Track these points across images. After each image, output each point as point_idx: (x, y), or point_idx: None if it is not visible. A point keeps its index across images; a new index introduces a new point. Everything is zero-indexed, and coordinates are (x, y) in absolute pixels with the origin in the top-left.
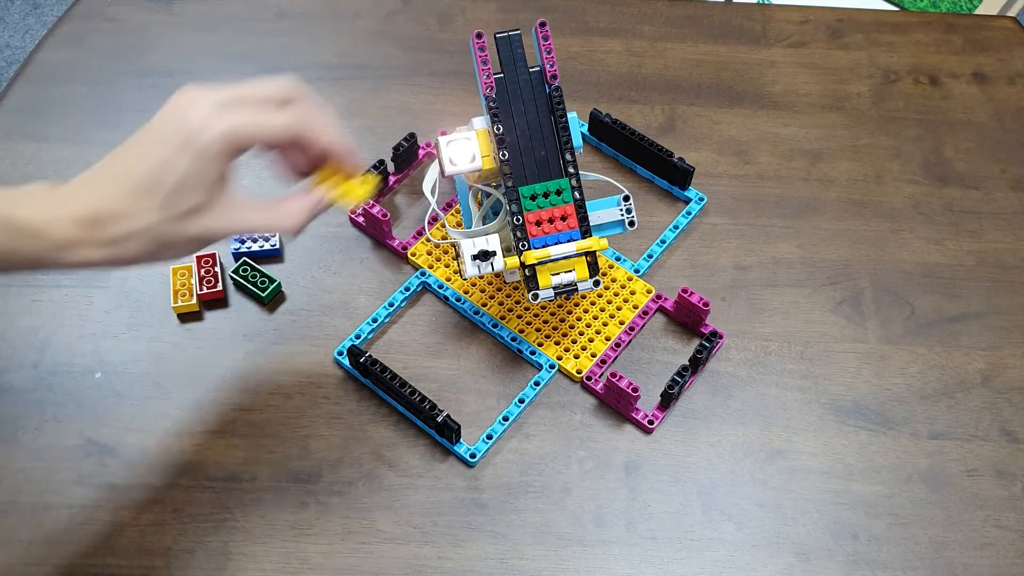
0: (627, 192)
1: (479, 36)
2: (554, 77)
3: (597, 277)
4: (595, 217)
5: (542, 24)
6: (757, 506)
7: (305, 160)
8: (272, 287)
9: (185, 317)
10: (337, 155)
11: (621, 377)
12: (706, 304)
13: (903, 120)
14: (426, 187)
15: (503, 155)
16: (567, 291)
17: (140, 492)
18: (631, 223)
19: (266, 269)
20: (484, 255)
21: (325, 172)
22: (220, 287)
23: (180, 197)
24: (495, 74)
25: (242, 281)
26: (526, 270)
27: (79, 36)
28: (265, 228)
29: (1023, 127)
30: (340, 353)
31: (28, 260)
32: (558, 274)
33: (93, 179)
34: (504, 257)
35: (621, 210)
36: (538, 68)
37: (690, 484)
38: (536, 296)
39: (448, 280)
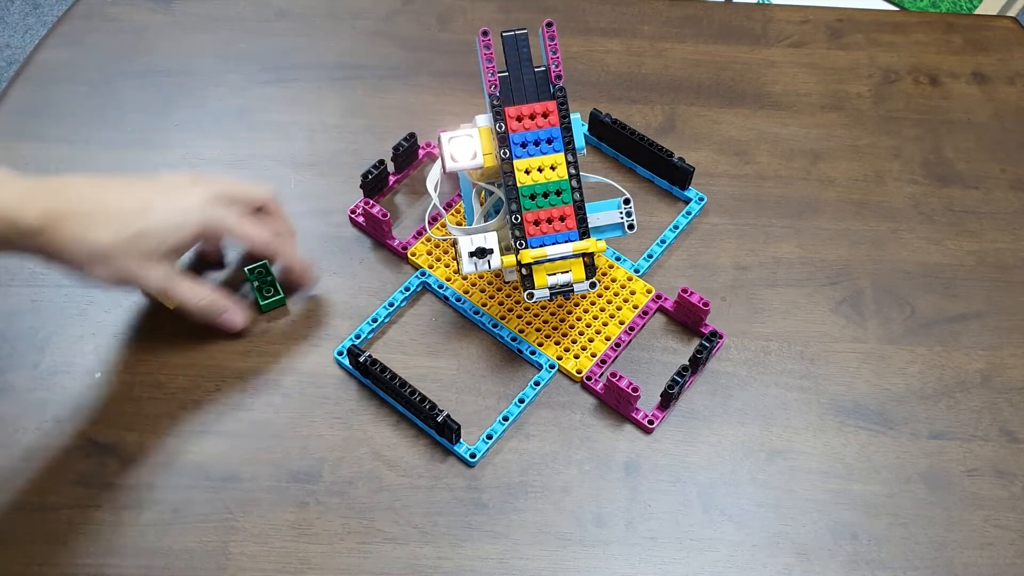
0: (628, 195)
1: (485, 34)
2: (559, 77)
3: (594, 279)
4: (594, 219)
5: (549, 24)
6: (757, 506)
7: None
8: (274, 299)
9: (180, 311)
10: (296, 273)
11: (621, 377)
12: (706, 304)
13: (903, 120)
14: (429, 183)
15: (504, 153)
16: (563, 292)
17: (140, 492)
18: (631, 226)
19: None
20: (481, 252)
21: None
22: None
23: (142, 241)
24: (499, 72)
25: (250, 282)
26: (522, 269)
27: (79, 36)
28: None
29: (1023, 127)
30: (340, 353)
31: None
32: (554, 274)
33: (77, 182)
34: (502, 256)
35: (621, 213)
36: (543, 68)
37: (690, 484)
38: (532, 295)
39: (448, 280)
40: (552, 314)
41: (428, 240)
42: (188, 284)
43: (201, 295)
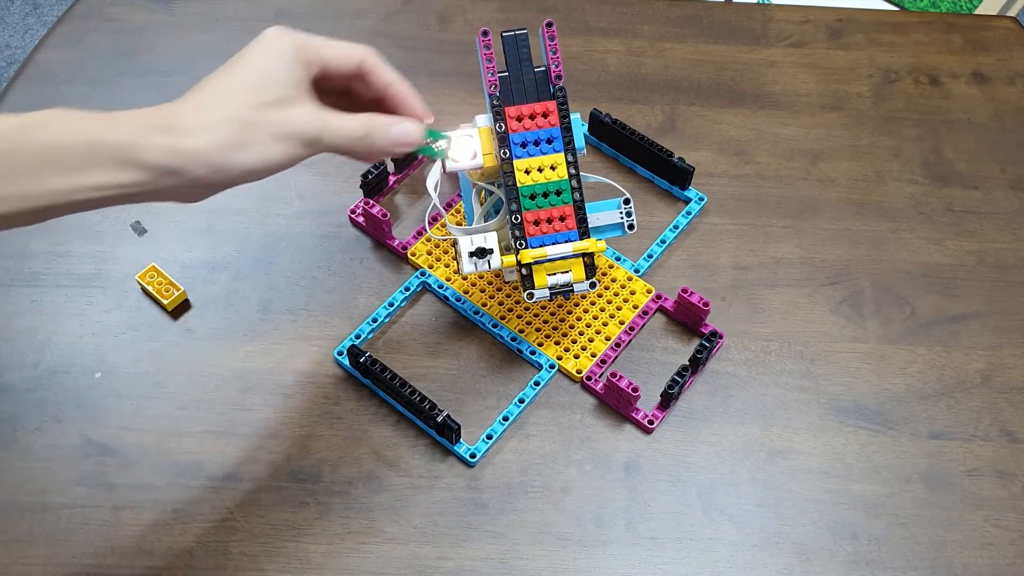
0: (628, 195)
1: (485, 34)
2: (559, 77)
3: (594, 279)
4: (594, 219)
5: (549, 24)
6: (757, 506)
7: (366, 98)
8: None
9: (180, 312)
10: (399, 93)
11: (621, 377)
12: (706, 304)
13: (903, 120)
14: (429, 183)
15: (504, 153)
16: (563, 292)
17: (140, 492)
18: (630, 227)
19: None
20: (481, 252)
21: None
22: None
23: (265, 88)
24: (499, 72)
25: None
26: (522, 269)
27: (79, 36)
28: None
29: (1023, 127)
30: (340, 353)
31: (113, 157)
32: (554, 274)
33: (177, 99)
34: (502, 256)
35: (621, 213)
36: (543, 68)
37: (690, 484)
38: (531, 295)
39: (448, 280)
40: (552, 314)
41: (428, 240)
42: (341, 115)
43: (358, 120)
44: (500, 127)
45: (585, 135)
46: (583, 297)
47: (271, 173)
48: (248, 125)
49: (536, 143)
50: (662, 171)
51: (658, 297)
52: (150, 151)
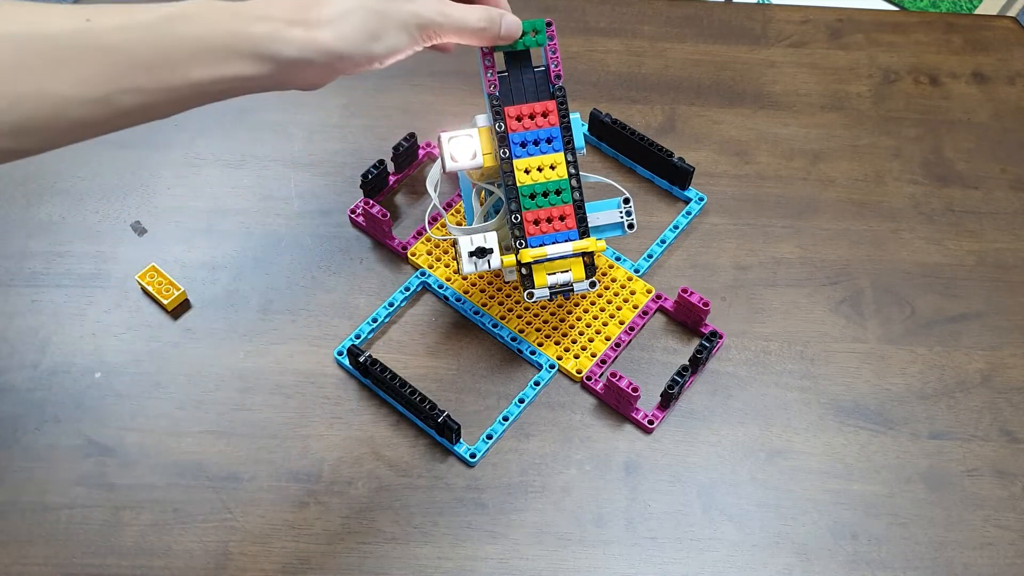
0: (627, 195)
1: None
2: (558, 77)
3: (594, 278)
4: (594, 218)
5: (548, 24)
6: (757, 506)
7: None
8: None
9: (180, 312)
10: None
11: (621, 377)
12: (706, 304)
13: (903, 120)
14: (429, 183)
15: (504, 153)
16: (563, 291)
17: (140, 492)
18: (630, 226)
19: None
20: (481, 252)
21: None
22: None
23: None
24: (499, 72)
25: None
26: (522, 269)
27: None
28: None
29: (1023, 127)
30: (340, 353)
31: (251, 50)
32: (554, 274)
33: None
34: (502, 256)
35: (621, 212)
36: (543, 68)
37: (690, 484)
38: (531, 295)
39: (448, 280)
40: (552, 314)
41: (428, 240)
42: (460, 6)
43: (479, 12)
44: (500, 127)
45: (585, 135)
46: (583, 297)
47: (392, 62)
48: (379, 15)
49: (536, 143)
50: (662, 171)
51: (658, 297)
52: (288, 44)
